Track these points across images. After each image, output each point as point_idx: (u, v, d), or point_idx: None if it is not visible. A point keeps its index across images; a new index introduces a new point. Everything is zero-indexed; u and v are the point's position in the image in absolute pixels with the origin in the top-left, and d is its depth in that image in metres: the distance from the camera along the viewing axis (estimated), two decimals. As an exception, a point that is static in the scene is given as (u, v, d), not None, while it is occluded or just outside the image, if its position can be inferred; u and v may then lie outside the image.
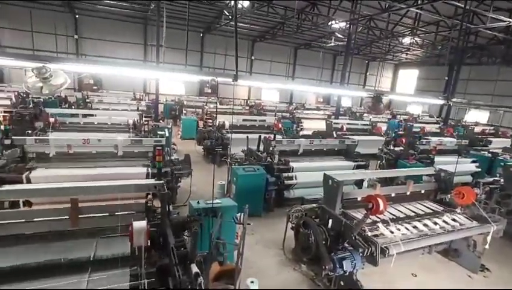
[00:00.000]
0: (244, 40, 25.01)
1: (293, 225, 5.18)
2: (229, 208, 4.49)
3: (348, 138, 9.23)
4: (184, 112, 16.80)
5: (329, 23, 17.56)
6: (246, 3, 16.67)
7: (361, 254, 4.03)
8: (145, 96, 20.68)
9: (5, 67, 19.77)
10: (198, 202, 4.39)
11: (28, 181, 4.91)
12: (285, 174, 7.22)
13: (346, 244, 4.22)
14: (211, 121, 12.21)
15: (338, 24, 17.64)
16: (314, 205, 5.22)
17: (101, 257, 2.81)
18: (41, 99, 14.57)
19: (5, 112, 11.72)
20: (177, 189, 6.22)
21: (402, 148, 9.79)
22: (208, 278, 3.58)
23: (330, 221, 4.67)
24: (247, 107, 18.46)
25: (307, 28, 19.42)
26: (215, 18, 20.62)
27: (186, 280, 2.54)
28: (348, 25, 15.83)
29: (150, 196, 3.65)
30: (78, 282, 2.47)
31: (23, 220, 3.05)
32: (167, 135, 7.90)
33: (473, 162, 9.42)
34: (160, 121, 12.46)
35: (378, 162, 9.83)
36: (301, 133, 13.72)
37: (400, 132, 14.03)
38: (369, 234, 4.23)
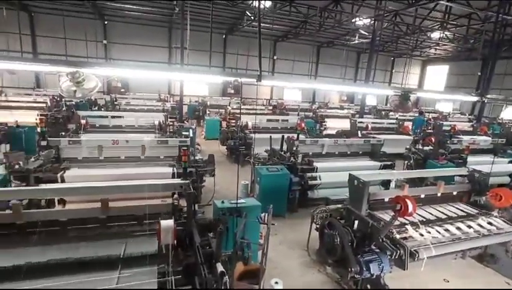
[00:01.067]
0: (266, 40, 25.02)
1: (318, 226, 5.11)
2: (253, 207, 4.49)
3: (374, 137, 8.98)
4: (208, 112, 17.05)
5: (353, 20, 17.18)
6: (268, 3, 16.66)
7: (389, 257, 3.90)
8: (170, 97, 21.18)
9: (41, 72, 21.01)
10: (222, 202, 4.43)
11: (63, 180, 5.17)
12: (309, 174, 7.14)
13: (373, 247, 4.10)
14: (234, 121, 12.30)
15: (362, 21, 17.22)
16: (339, 205, 5.12)
17: (130, 254, 2.90)
18: (74, 103, 15.32)
19: (41, 115, 12.40)
20: (202, 188, 6.31)
21: (431, 147, 9.38)
22: (233, 278, 3.60)
23: (356, 222, 4.55)
24: (270, 107, 18.44)
25: (330, 26, 19.10)
26: (237, 19, 20.79)
27: (212, 278, 2.57)
28: (373, 22, 15.42)
29: (176, 196, 3.73)
30: (109, 278, 2.56)
31: (60, 219, 3.21)
32: (191, 135, 8.05)
33: (511, 162, 8.87)
34: (185, 121, 12.71)
35: (406, 162, 9.48)
36: (325, 132, 13.52)
37: (428, 130, 13.47)
38: (398, 236, 4.09)
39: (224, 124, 13.98)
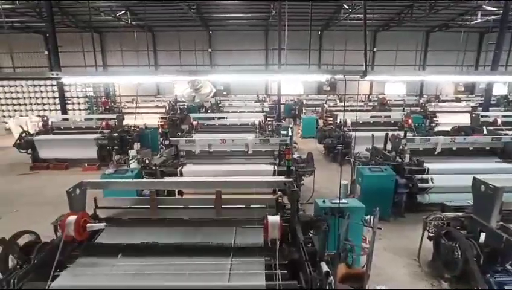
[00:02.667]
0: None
1: (431, 235, 4.55)
2: (356, 209, 4.29)
3: (506, 134, 7.46)
4: (304, 111, 17.11)
5: (475, -4, 14.58)
6: (368, -8, 15.59)
7: (533, 281, 3.20)
8: (267, 98, 22.04)
9: (160, 82, 24.71)
10: (324, 201, 4.38)
11: (181, 174, 5.98)
12: (418, 176, 6.42)
13: (509, 267, 3.42)
14: (331, 119, 12.00)
15: (488, -6, 14.45)
16: (460, 213, 4.45)
17: (239, 244, 3.16)
18: (185, 106, 17.48)
19: (161, 118, 14.62)
20: (301, 187, 6.38)
21: None
22: (335, 279, 3.53)
23: (483, 235, 3.88)
24: (370, 103, 17.33)
25: (443, 7, 16.66)
26: (334, 13, 20.13)
27: (317, 277, 2.57)
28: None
29: (279, 192, 3.87)
30: (224, 264, 2.84)
31: (181, 206, 3.72)
32: (290, 134, 8.21)
33: None
34: (283, 121, 13.06)
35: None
36: (436, 129, 11.97)
37: None
38: (546, 257, 3.31)
39: (320, 122, 13.80)
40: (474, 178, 4.22)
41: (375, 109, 15.10)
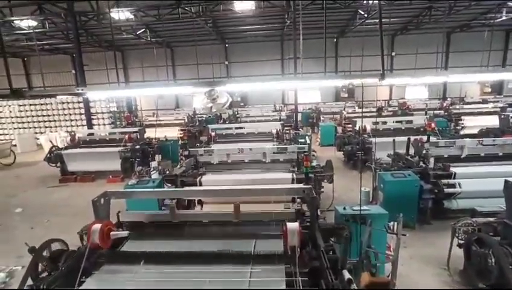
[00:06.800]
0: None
1: (461, 242, 4.34)
2: (378, 215, 4.17)
3: (539, 135, 7.07)
4: (322, 118, 16.99)
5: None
6: (384, -4, 15.48)
7: None
8: (284, 107, 22.07)
9: (180, 95, 25.34)
10: (344, 208, 4.29)
11: (200, 184, 6.05)
12: (444, 181, 6.18)
13: (548, 274, 3.20)
14: (350, 125, 11.83)
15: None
16: (492, 219, 4.22)
17: (259, 252, 3.14)
18: (204, 118, 17.81)
19: (181, 129, 14.96)
20: (320, 194, 6.29)
21: None
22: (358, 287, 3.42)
23: (518, 241, 3.67)
24: (390, 108, 17.00)
25: (464, 6, 16.23)
26: (349, 20, 20.08)
27: (339, 284, 2.51)
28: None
29: (298, 200, 3.84)
30: (243, 271, 2.83)
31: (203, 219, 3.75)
32: (308, 142, 8.16)
33: None
34: (300, 129, 13.01)
35: None
36: (462, 132, 11.54)
37: None
38: None
39: (339, 129, 13.64)
40: (506, 181, 4.02)
41: (396, 114, 14.78)
